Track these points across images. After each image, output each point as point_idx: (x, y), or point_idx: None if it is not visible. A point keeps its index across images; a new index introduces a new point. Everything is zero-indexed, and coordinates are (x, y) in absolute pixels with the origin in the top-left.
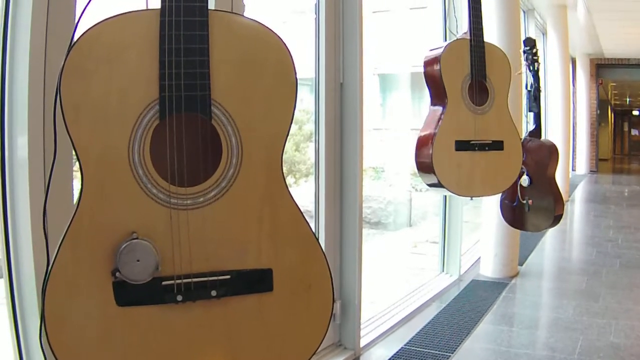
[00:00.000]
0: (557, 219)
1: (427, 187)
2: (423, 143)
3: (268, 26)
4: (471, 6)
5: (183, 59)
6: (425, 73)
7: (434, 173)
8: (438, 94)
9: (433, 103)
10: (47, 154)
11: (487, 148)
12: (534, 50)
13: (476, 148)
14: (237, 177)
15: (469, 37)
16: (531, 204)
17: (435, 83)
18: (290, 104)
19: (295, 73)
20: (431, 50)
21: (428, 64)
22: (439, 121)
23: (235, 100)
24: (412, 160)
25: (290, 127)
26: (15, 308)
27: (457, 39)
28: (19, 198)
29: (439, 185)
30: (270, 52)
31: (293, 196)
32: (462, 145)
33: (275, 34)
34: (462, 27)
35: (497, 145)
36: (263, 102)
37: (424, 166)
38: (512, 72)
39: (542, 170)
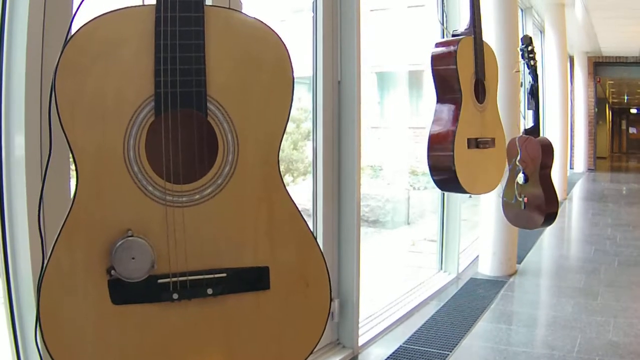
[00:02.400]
0: (550, 217)
1: (437, 187)
2: (440, 141)
3: (265, 22)
4: (473, 4)
5: (178, 55)
6: (436, 70)
7: (455, 172)
8: (450, 91)
9: (444, 100)
10: (45, 153)
11: (487, 145)
12: (530, 48)
13: (480, 146)
14: (233, 174)
15: (471, 35)
16: (527, 202)
17: (448, 80)
18: (287, 100)
19: (292, 70)
20: (440, 45)
21: (440, 59)
22: (455, 119)
23: (231, 97)
24: (424, 158)
25: (286, 124)
26: (12, 307)
27: (465, 36)
28: (16, 197)
29: (455, 184)
30: (267, 48)
31: (290, 193)
32: (471, 143)
33: (272, 30)
34: (454, 22)
35: (492, 143)
36: (260, 99)
37: (442, 165)
38: (510, 70)
39: (538, 168)
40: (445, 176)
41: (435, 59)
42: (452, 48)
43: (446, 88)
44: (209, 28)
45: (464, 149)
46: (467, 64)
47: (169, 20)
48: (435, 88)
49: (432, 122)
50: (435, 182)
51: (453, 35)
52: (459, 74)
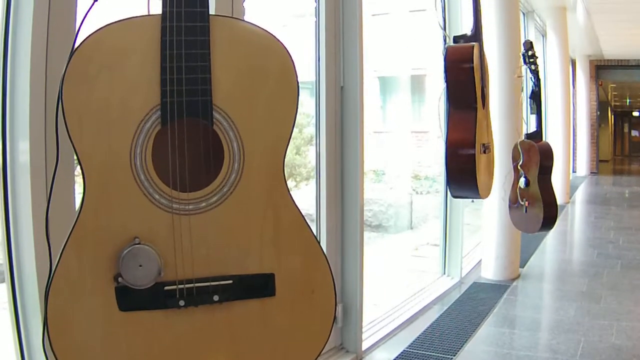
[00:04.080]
0: (548, 222)
1: (452, 193)
2: (463, 148)
3: (269, 31)
4: (476, 9)
5: (184, 65)
6: (452, 74)
7: (475, 177)
8: (467, 98)
9: (460, 107)
10: (49, 159)
11: (488, 150)
12: (530, 53)
13: (486, 151)
14: (239, 182)
15: (477, 40)
16: (527, 206)
17: (465, 84)
18: (292, 108)
19: (297, 78)
20: (455, 53)
21: (457, 64)
22: (474, 125)
23: (236, 105)
24: (436, 164)
25: (292, 131)
26: (17, 313)
27: (475, 43)
28: (20, 202)
29: (473, 189)
30: (272, 57)
31: (295, 201)
32: (480, 148)
33: (277, 38)
34: (455, 27)
35: (490, 147)
36: (265, 107)
37: (463, 170)
38: (512, 75)
39: (538, 172)
40: (465, 182)
41: (452, 63)
42: (468, 53)
43: (463, 95)
44: (214, 37)
45: (479, 155)
46: (478, 69)
47: (174, 29)
48: (451, 94)
49: (450, 129)
50: (452, 188)
51: (455, 40)
52: (475, 79)
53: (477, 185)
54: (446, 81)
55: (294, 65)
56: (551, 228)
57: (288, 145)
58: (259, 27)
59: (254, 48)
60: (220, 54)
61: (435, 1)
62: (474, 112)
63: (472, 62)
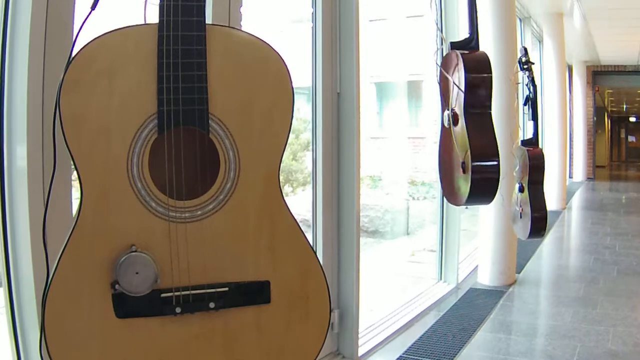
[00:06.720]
0: (537, 229)
1: (469, 199)
2: (493, 155)
3: (265, 40)
4: (472, 15)
5: (181, 74)
6: (474, 79)
7: (497, 184)
8: (484, 102)
9: (483, 112)
10: (46, 164)
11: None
12: (524, 60)
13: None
14: (234, 190)
15: (476, 46)
16: (522, 212)
17: (485, 89)
18: (287, 117)
19: (292, 86)
20: (468, 55)
21: (478, 70)
22: (493, 130)
23: (232, 114)
24: (466, 170)
25: (287, 140)
26: (14, 318)
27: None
28: (18, 207)
29: (492, 195)
30: (267, 66)
31: (290, 208)
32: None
33: (272, 47)
34: (452, 32)
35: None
36: (260, 116)
37: (491, 176)
38: (507, 81)
39: (528, 180)
40: (488, 188)
41: (474, 69)
42: (485, 59)
43: (482, 98)
44: (210, 46)
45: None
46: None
47: (171, 39)
48: (470, 103)
49: (475, 133)
50: (472, 196)
51: (453, 46)
52: (492, 83)
53: (497, 190)
54: (466, 89)
55: (289, 74)
56: (541, 236)
57: (284, 152)
58: (254, 36)
59: (249, 57)
60: (216, 62)
61: (431, 2)
62: (490, 117)
63: (491, 67)
